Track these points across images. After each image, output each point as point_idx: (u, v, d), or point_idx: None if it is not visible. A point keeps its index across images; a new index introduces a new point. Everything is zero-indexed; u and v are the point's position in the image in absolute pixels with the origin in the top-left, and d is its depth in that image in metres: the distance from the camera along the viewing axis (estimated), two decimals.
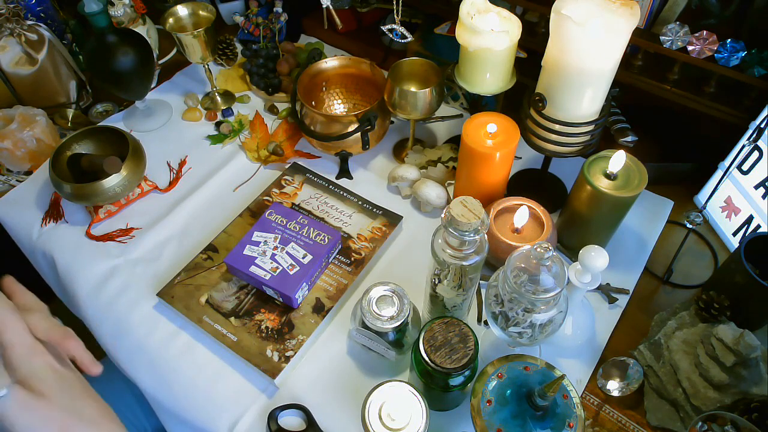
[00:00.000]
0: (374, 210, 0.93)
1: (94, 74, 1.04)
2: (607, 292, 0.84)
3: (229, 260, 0.81)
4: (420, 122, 1.07)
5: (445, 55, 1.08)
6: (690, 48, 0.83)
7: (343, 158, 1.00)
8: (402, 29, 0.98)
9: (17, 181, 1.01)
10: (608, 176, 0.77)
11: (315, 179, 0.98)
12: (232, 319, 0.80)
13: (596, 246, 0.65)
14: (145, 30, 1.11)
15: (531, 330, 0.64)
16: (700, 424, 0.62)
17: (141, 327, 0.82)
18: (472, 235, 0.60)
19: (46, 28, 1.06)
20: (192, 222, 0.95)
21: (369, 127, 0.93)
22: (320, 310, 0.81)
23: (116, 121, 1.10)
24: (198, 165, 1.03)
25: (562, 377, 0.57)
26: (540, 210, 0.81)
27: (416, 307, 0.75)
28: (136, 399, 0.86)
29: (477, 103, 0.98)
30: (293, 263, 0.81)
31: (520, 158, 1.01)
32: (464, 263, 0.63)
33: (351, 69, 1.03)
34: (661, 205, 0.95)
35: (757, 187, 0.83)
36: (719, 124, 0.90)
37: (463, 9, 0.80)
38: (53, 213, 0.95)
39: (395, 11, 0.95)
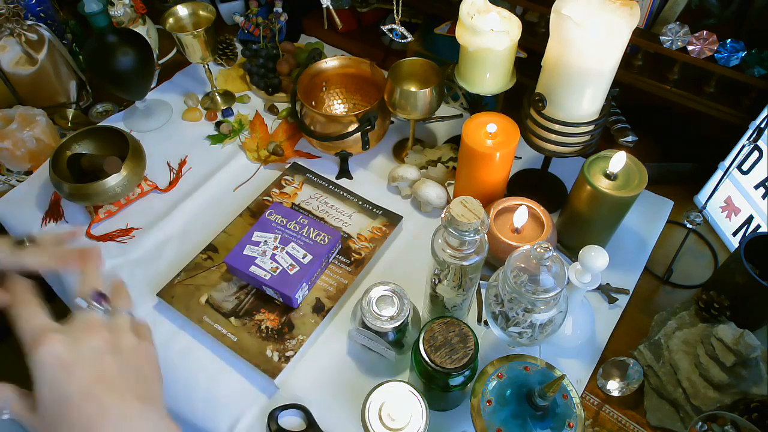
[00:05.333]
0: (374, 210, 0.93)
1: (94, 74, 1.04)
2: (607, 292, 0.83)
3: (229, 260, 0.81)
4: (420, 122, 1.07)
5: (445, 55, 1.08)
6: (690, 48, 0.83)
7: (343, 158, 1.00)
8: (402, 29, 0.98)
9: (17, 181, 1.01)
10: (608, 176, 0.77)
11: (315, 179, 0.97)
12: (232, 319, 0.80)
13: (596, 246, 0.65)
14: (145, 30, 1.11)
15: (531, 330, 0.64)
16: (700, 424, 0.62)
17: None
18: (472, 235, 0.60)
19: (46, 28, 1.06)
20: (192, 222, 0.95)
21: (369, 127, 0.93)
22: (320, 310, 0.81)
23: (116, 121, 1.10)
24: (198, 165, 1.03)
25: (562, 377, 0.57)
26: (540, 210, 0.81)
27: (416, 307, 0.75)
28: None
29: (477, 103, 0.98)
30: (293, 263, 0.81)
31: (520, 158, 1.01)
32: (464, 263, 0.63)
33: (351, 69, 1.03)
34: (661, 205, 0.95)
35: (757, 187, 0.83)
36: (719, 124, 0.90)
37: (463, 9, 0.80)
38: (53, 213, 0.95)
39: (395, 11, 0.95)
